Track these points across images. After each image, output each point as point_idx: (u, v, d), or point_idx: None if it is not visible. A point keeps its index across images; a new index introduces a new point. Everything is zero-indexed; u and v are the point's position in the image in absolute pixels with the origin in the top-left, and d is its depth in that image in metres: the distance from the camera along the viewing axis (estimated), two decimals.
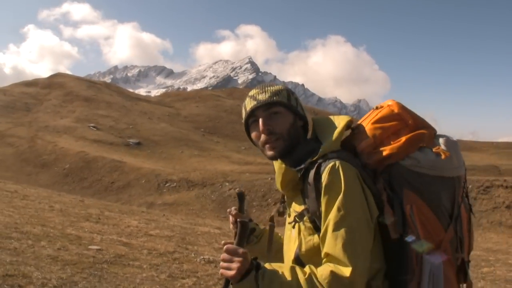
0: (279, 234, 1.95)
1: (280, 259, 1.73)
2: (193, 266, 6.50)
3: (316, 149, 1.57)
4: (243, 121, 1.71)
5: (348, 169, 1.48)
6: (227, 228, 11.36)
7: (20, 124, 40.04)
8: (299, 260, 1.57)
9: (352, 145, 1.63)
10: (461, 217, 1.60)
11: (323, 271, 1.39)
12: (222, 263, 1.42)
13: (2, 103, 46.73)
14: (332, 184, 1.46)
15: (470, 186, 18.77)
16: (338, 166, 1.47)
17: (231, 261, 1.40)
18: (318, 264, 1.44)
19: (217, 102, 57.62)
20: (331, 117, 1.70)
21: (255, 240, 1.89)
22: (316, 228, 1.52)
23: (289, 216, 1.69)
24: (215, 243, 8.83)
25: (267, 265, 1.42)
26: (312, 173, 1.52)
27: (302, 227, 1.57)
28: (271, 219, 1.86)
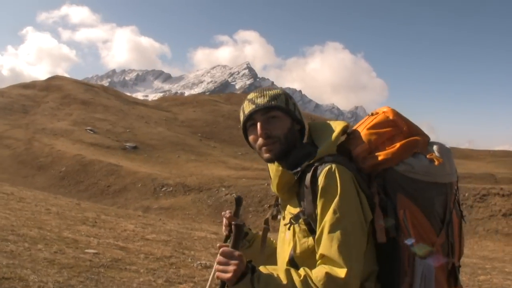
0: (272, 239, 1.97)
1: (272, 264, 1.75)
2: (190, 271, 6.49)
3: (313, 152, 1.60)
4: (241, 124, 1.74)
5: (344, 173, 1.51)
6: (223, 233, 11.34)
7: (17, 126, 39.89)
8: (293, 262, 1.60)
9: (347, 149, 1.66)
10: (453, 222, 1.63)
11: (318, 273, 1.41)
12: (218, 266, 1.42)
13: None
14: (328, 187, 1.49)
15: (466, 194, 18.80)
16: (335, 170, 1.51)
17: (227, 264, 1.40)
18: (312, 266, 1.46)
19: (214, 107, 57.58)
20: (328, 122, 1.74)
21: (247, 244, 1.92)
22: (311, 230, 1.55)
23: (284, 218, 1.71)
24: (212, 248, 8.82)
25: (262, 268, 1.43)
26: (309, 176, 1.54)
27: (297, 229, 1.59)
28: (266, 221, 1.88)
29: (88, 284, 4.99)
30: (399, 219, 1.52)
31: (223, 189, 23.39)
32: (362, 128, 1.68)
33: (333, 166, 1.52)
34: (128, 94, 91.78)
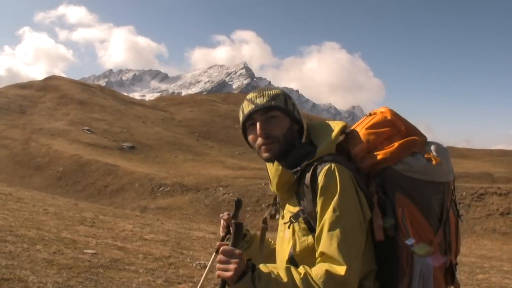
0: (270, 240, 1.98)
1: None
2: (189, 271, 6.50)
3: (312, 152, 1.62)
4: (240, 123, 1.75)
5: (343, 172, 1.54)
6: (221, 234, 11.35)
7: (14, 126, 39.79)
8: (293, 260, 1.61)
9: (346, 149, 1.68)
10: (450, 221, 1.65)
11: (318, 271, 1.43)
12: (218, 265, 1.42)
13: None
14: (328, 185, 1.51)
15: (464, 193, 18.86)
16: (334, 169, 1.53)
17: (228, 262, 1.40)
18: (311, 264, 1.48)
19: (211, 107, 57.54)
20: (326, 122, 1.75)
21: (245, 245, 1.93)
22: (310, 229, 1.57)
23: (283, 217, 1.73)
24: (210, 248, 8.83)
25: (262, 266, 1.44)
26: (308, 175, 1.56)
27: (297, 227, 1.61)
28: (264, 221, 1.89)
29: (87, 285, 4.99)
30: (398, 218, 1.54)
31: (221, 189, 23.41)
32: (361, 128, 1.70)
33: (333, 165, 1.54)
34: (125, 94, 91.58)
